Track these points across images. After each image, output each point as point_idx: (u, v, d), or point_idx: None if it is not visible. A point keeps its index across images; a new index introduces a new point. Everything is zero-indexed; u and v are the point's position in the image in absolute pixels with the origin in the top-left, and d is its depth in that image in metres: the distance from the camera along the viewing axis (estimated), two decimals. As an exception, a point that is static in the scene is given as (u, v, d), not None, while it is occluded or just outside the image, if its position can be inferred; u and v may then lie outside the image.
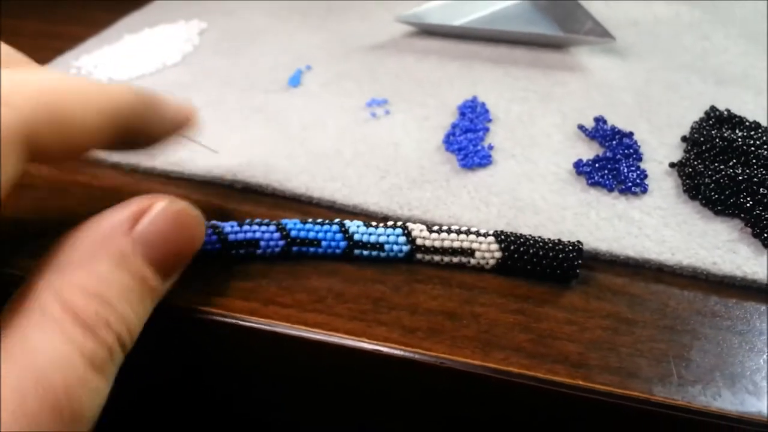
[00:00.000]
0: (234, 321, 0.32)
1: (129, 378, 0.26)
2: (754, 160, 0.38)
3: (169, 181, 0.42)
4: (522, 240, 0.34)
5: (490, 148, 0.42)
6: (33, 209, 0.39)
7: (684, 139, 0.42)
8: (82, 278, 0.25)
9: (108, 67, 0.54)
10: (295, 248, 0.35)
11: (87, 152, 0.29)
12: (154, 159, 0.42)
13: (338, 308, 0.33)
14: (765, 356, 0.30)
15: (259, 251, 0.35)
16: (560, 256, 0.33)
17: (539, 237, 0.34)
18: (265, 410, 0.39)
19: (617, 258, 0.35)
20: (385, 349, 0.30)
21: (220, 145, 0.43)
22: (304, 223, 0.35)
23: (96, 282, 0.25)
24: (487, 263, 0.34)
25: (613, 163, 0.40)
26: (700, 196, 0.37)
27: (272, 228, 0.35)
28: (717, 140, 0.39)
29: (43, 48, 0.58)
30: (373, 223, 0.35)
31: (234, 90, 0.50)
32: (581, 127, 0.44)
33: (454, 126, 0.44)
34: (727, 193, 0.36)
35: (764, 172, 0.37)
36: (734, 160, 0.38)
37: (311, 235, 0.35)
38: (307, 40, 0.58)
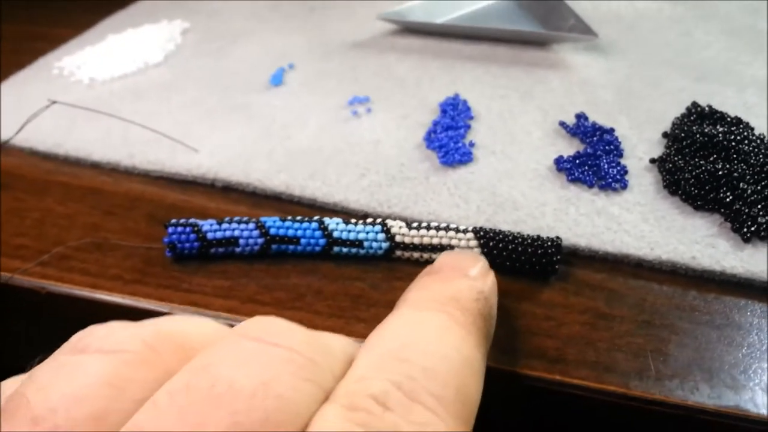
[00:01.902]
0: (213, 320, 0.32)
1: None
2: (734, 156, 0.38)
3: (149, 180, 0.41)
4: (501, 236, 0.33)
5: (471, 145, 0.42)
6: (12, 209, 0.39)
7: (665, 134, 0.42)
8: None
9: (90, 67, 0.53)
10: (274, 246, 0.35)
11: None
12: (134, 158, 0.42)
13: (317, 306, 0.32)
14: (743, 350, 0.30)
15: (238, 249, 0.35)
16: (539, 251, 0.33)
17: (518, 233, 0.34)
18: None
19: (596, 253, 0.35)
20: (363, 346, 0.30)
21: (202, 144, 0.43)
22: (284, 220, 0.35)
23: None
24: (467, 260, 0.34)
25: (593, 159, 0.40)
26: (680, 192, 0.37)
27: (251, 226, 0.35)
28: (698, 136, 0.39)
29: (27, 51, 0.58)
30: (353, 220, 0.35)
31: (216, 89, 0.50)
32: (562, 124, 0.44)
33: (435, 123, 0.44)
34: (707, 188, 0.36)
35: (744, 167, 0.37)
36: (715, 156, 0.38)
37: (290, 232, 0.34)
38: (290, 39, 0.57)
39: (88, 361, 0.19)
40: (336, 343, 0.21)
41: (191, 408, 0.17)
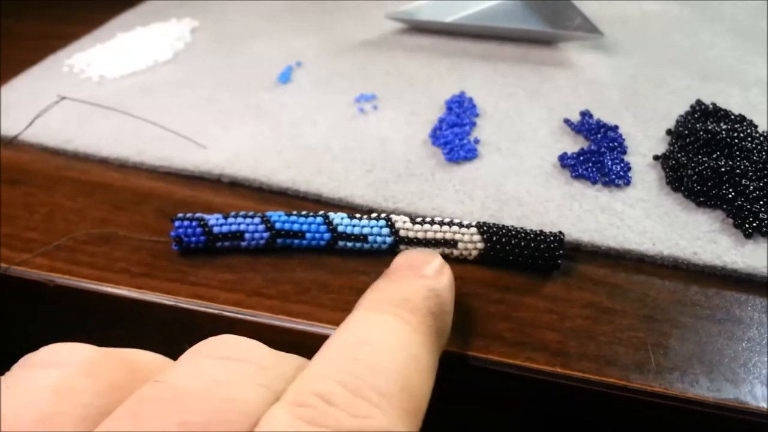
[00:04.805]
0: (218, 312, 0.32)
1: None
2: (737, 152, 0.38)
3: (157, 176, 0.42)
4: (504, 231, 0.34)
5: (476, 142, 0.42)
6: (23, 204, 0.40)
7: (669, 132, 0.43)
8: None
9: (100, 64, 0.54)
10: (279, 240, 0.35)
11: None
12: (143, 154, 0.43)
13: (322, 299, 0.33)
14: (743, 344, 0.30)
15: (244, 243, 0.35)
16: (542, 246, 0.33)
17: (521, 228, 0.34)
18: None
19: (599, 249, 0.35)
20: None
21: (210, 140, 0.43)
22: (289, 215, 0.35)
23: None
24: (470, 254, 0.34)
25: (597, 156, 0.40)
26: (682, 188, 0.37)
27: (257, 220, 0.35)
28: (701, 133, 0.40)
29: (37, 47, 0.58)
30: (357, 215, 0.35)
31: (225, 87, 0.51)
32: (567, 121, 0.44)
33: (440, 120, 0.44)
34: (709, 184, 0.37)
35: (747, 163, 0.37)
36: (718, 153, 0.39)
37: (296, 227, 0.35)
38: (298, 37, 0.58)
39: (35, 374, 0.20)
40: (291, 356, 0.22)
41: (142, 414, 0.18)
